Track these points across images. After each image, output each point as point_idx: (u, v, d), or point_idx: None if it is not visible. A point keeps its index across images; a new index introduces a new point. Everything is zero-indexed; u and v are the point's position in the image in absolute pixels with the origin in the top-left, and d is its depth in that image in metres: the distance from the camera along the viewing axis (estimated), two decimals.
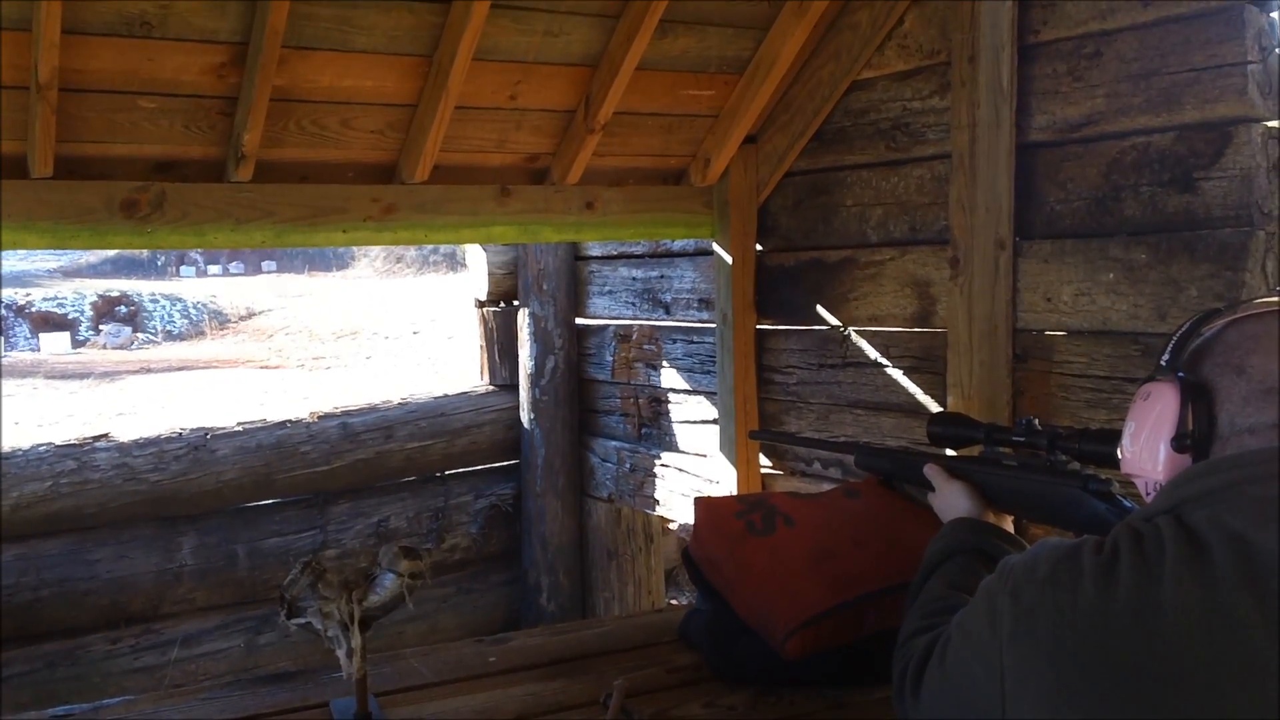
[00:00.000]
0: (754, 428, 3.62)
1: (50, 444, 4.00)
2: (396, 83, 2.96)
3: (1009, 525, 2.01)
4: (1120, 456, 1.47)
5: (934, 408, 3.06)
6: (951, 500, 2.02)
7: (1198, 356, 1.38)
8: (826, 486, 3.34)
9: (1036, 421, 2.01)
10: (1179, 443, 1.34)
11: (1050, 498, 1.93)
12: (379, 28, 2.81)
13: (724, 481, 3.76)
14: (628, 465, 4.37)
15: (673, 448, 4.15)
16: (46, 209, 2.75)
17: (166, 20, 2.60)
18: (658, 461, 4.20)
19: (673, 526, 5.44)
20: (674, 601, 5.56)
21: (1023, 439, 2.00)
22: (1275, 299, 1.37)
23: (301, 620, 1.83)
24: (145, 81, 2.70)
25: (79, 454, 3.97)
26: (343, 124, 2.99)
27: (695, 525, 2.41)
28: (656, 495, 4.23)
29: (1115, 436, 1.61)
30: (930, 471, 2.10)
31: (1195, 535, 1.22)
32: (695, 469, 4.02)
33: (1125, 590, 1.21)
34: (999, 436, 2.07)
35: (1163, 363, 1.40)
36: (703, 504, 2.44)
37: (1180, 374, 1.37)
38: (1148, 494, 1.41)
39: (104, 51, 2.60)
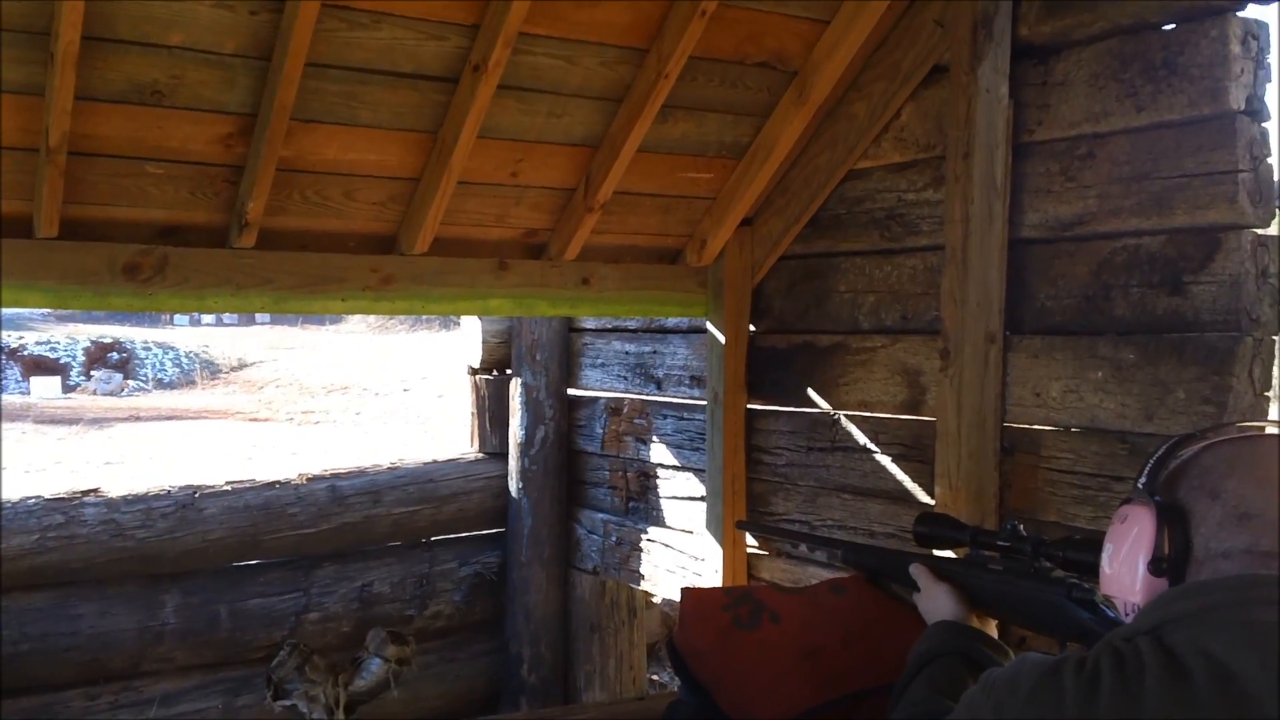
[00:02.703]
0: (741, 507, 3.63)
1: (39, 497, 3.99)
2: (400, 157, 2.99)
3: (992, 628, 2.02)
4: (1101, 575, 1.49)
5: (921, 495, 3.07)
6: (936, 602, 2.03)
7: (1174, 480, 1.40)
8: (812, 569, 3.34)
9: (1021, 527, 2.03)
10: (1156, 566, 1.36)
11: (1034, 603, 1.94)
12: (385, 104, 2.85)
13: (709, 559, 3.75)
14: (614, 538, 4.37)
15: (660, 523, 4.15)
16: (49, 269, 2.77)
17: (177, 90, 2.64)
18: (644, 536, 4.20)
19: (656, 600, 5.43)
20: (655, 678, 5.53)
21: (1008, 543, 2.02)
22: (1251, 424, 1.40)
23: (287, 702, 1.83)
24: (153, 148, 2.73)
25: (67, 509, 3.96)
26: (345, 195, 3.03)
27: (681, 616, 2.41)
28: (641, 570, 4.22)
29: (1099, 546, 1.62)
30: (916, 571, 2.11)
31: (1175, 657, 1.24)
32: (681, 545, 4.01)
33: (1106, 710, 1.23)
34: (984, 540, 2.09)
35: (1139, 485, 1.42)
36: (690, 595, 2.44)
37: (1156, 498, 1.39)
38: (1126, 615, 1.42)
39: (114, 118, 2.64)
